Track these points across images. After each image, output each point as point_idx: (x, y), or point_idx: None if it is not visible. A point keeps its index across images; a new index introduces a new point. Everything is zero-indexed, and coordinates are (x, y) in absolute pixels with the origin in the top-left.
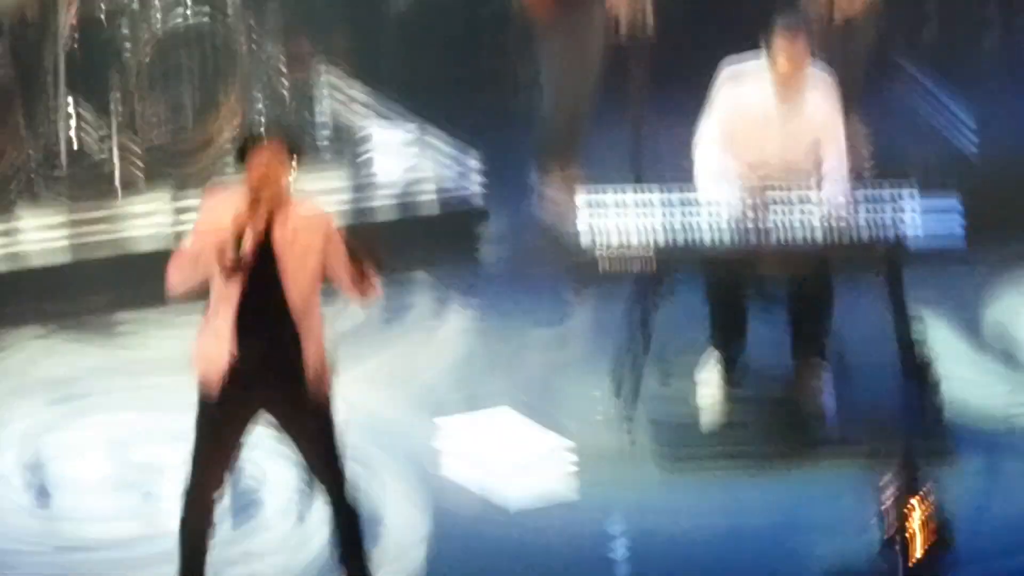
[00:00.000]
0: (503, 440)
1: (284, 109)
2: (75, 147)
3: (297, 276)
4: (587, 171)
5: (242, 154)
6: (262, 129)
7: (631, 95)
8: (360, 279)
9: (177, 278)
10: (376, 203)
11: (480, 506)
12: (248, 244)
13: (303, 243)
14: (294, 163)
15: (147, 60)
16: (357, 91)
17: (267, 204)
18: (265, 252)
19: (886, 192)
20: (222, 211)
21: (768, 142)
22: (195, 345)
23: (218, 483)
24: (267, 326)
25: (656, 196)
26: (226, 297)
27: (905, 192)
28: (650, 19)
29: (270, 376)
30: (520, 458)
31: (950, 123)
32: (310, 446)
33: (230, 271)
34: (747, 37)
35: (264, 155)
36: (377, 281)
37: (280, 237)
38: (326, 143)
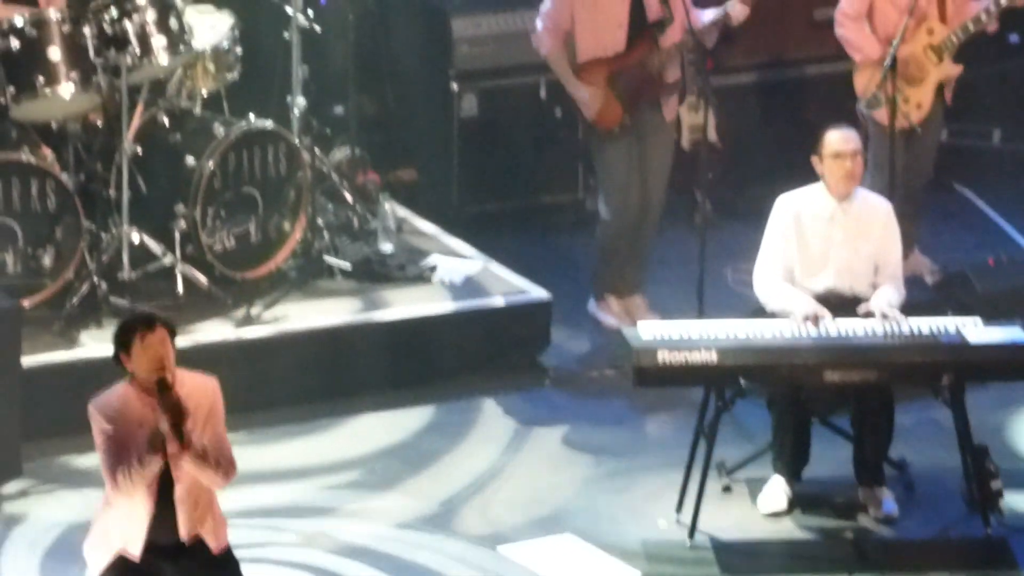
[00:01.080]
0: (568, 568)
1: (349, 215)
2: (139, 253)
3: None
4: (650, 299)
5: (121, 342)
6: (139, 313)
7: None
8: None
9: (128, 484)
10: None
11: None
12: (168, 426)
13: (200, 415)
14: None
15: (211, 166)
16: (422, 223)
17: (167, 386)
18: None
19: (951, 320)
20: (113, 421)
21: (829, 244)
22: (96, 534)
23: None
24: (166, 518)
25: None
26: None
27: (969, 320)
28: (713, 124)
29: (181, 556)
30: None
31: (1014, 253)
32: None
33: (159, 458)
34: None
35: (154, 334)
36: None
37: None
38: (391, 252)
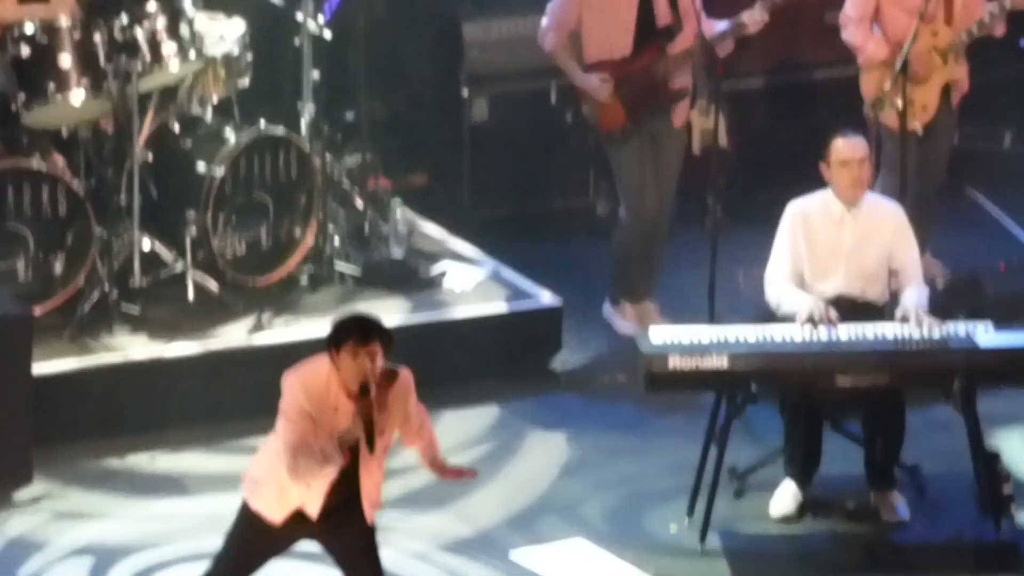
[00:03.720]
0: (579, 572)
1: (360, 221)
2: (150, 259)
3: (382, 450)
4: (661, 304)
5: (336, 339)
6: (360, 319)
7: (707, 209)
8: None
9: (306, 473)
10: (447, 315)
11: None
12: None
13: (393, 419)
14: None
15: (222, 172)
16: (432, 228)
17: (367, 395)
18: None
19: (961, 324)
20: (308, 397)
21: (838, 248)
22: (256, 476)
23: None
24: (342, 490)
25: (730, 331)
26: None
27: (981, 325)
28: (724, 129)
29: (331, 520)
30: None
31: None
32: (355, 563)
33: (342, 460)
34: (819, 148)
35: (368, 349)
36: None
37: (377, 421)
38: (402, 258)
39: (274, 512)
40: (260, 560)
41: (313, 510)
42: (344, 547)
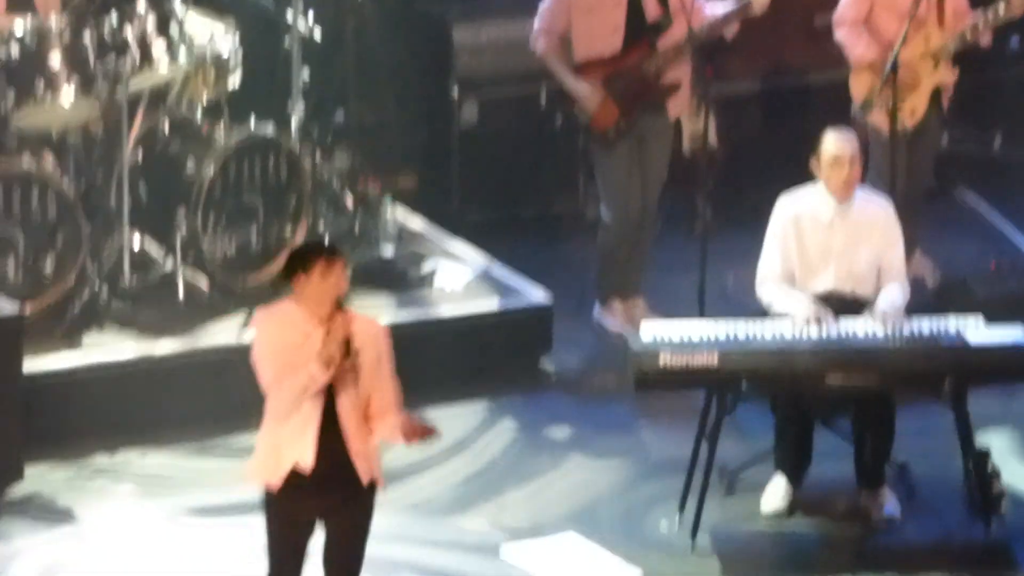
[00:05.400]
0: (570, 567)
1: (350, 223)
2: (140, 260)
3: (358, 386)
4: (650, 301)
5: (303, 262)
6: (320, 241)
7: (697, 210)
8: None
9: (282, 409)
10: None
11: None
12: (336, 357)
13: (365, 354)
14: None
15: (210, 173)
16: (422, 225)
17: (340, 315)
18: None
19: (951, 320)
20: (281, 330)
21: (829, 247)
22: (258, 456)
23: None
24: (328, 436)
25: (721, 327)
26: (297, 408)
27: (971, 320)
28: (714, 130)
29: (331, 483)
30: None
31: (1015, 258)
32: (342, 539)
33: (317, 386)
34: (809, 149)
35: (336, 266)
36: (424, 427)
37: (352, 341)
38: (391, 256)
39: (271, 474)
40: (296, 544)
41: (307, 460)
42: (341, 530)
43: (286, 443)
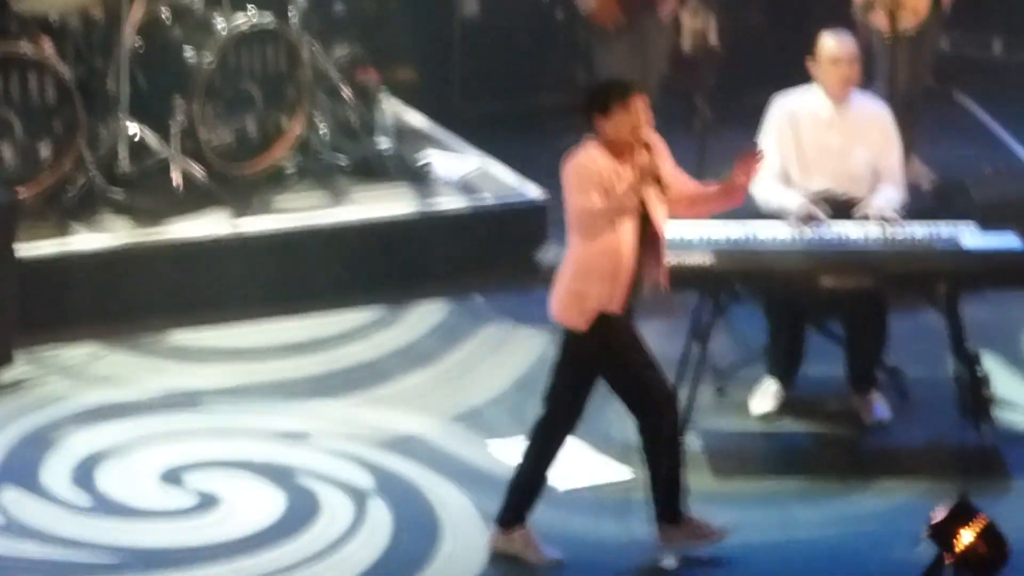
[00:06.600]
0: (558, 464)
1: (347, 113)
2: (137, 147)
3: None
4: None
5: (605, 103)
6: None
7: (696, 109)
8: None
9: (615, 207)
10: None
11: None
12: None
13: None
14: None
15: (210, 62)
16: (420, 120)
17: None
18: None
19: (945, 226)
20: (595, 165)
21: (826, 146)
22: (559, 298)
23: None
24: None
25: (717, 227)
26: (609, 239)
27: (964, 226)
28: (714, 29)
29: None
30: (575, 480)
31: (1012, 163)
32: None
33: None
34: (809, 50)
35: (640, 100)
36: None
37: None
38: (388, 149)
39: (579, 322)
40: (585, 388)
41: (616, 307)
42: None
43: (593, 292)
